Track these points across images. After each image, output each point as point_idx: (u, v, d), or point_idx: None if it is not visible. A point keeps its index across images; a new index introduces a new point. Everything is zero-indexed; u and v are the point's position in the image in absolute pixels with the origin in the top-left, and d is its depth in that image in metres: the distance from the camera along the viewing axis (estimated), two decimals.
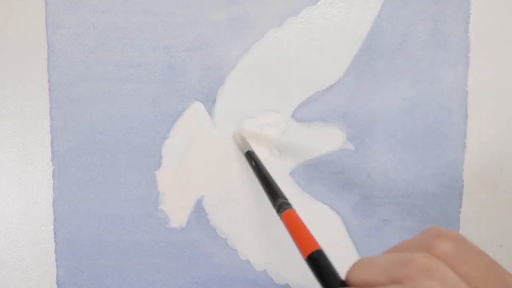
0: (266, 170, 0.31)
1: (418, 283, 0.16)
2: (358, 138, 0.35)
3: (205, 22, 0.35)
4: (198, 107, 0.35)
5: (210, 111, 0.35)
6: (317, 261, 0.20)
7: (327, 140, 0.35)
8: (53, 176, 0.35)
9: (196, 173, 0.35)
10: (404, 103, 0.35)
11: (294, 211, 0.26)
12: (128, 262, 0.36)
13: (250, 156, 0.32)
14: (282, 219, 0.25)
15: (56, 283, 0.36)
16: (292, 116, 0.35)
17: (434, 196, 0.35)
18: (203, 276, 0.36)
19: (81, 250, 0.36)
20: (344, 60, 0.35)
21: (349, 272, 0.19)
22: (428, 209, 0.35)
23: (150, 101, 0.35)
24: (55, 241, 0.35)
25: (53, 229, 0.35)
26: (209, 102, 0.35)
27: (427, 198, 0.35)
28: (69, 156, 0.35)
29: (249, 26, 0.35)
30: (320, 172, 0.35)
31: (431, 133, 0.35)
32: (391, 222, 0.36)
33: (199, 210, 0.36)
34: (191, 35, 0.35)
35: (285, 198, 0.27)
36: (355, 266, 0.19)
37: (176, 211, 0.36)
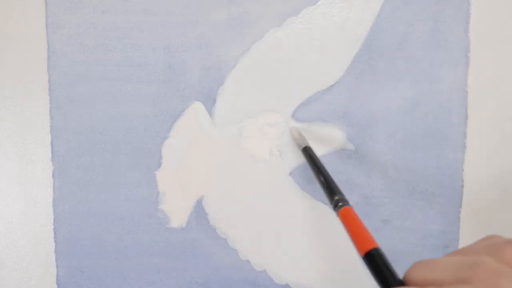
0: (323, 167, 0.30)
1: (488, 282, 0.16)
2: (358, 138, 0.35)
3: (205, 22, 0.35)
4: (198, 107, 0.35)
5: (210, 111, 0.35)
6: (375, 259, 0.20)
7: (327, 140, 0.35)
8: (53, 176, 0.35)
9: (196, 173, 0.35)
10: (404, 103, 0.35)
11: (351, 208, 0.25)
12: (128, 262, 0.36)
13: (307, 152, 0.32)
14: (339, 215, 0.25)
15: (56, 283, 0.36)
16: (292, 116, 0.35)
17: (434, 196, 0.35)
18: (203, 276, 0.36)
19: (81, 250, 0.36)
20: (344, 60, 0.35)
21: (409, 272, 0.19)
22: (428, 209, 0.35)
23: (150, 101, 0.35)
24: (55, 241, 0.35)
25: (53, 229, 0.35)
26: (209, 102, 0.35)
27: (427, 198, 0.35)
28: (69, 156, 0.35)
29: (249, 26, 0.35)
30: None
31: (431, 133, 0.35)
32: (391, 222, 0.36)
33: (199, 210, 0.36)
34: (191, 35, 0.35)
35: (342, 195, 0.27)
36: (416, 266, 0.19)
37: (176, 211, 0.36)
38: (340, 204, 0.26)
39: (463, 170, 0.35)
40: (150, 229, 0.36)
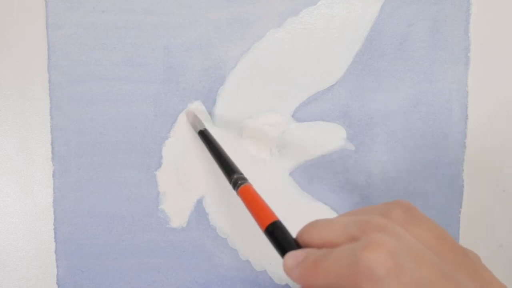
0: (221, 148, 0.30)
1: (373, 235, 0.17)
2: (358, 138, 0.35)
3: (205, 22, 0.35)
4: (198, 107, 0.35)
5: (210, 111, 0.35)
6: (274, 231, 0.21)
7: (327, 140, 0.35)
8: (53, 176, 0.35)
9: (196, 173, 0.35)
10: (404, 103, 0.35)
11: (250, 185, 0.25)
12: (128, 262, 0.36)
13: (204, 135, 0.32)
14: (239, 194, 0.25)
15: (56, 283, 0.36)
16: (292, 116, 0.35)
17: (434, 196, 0.35)
18: (203, 276, 0.36)
19: (81, 250, 0.36)
20: (344, 60, 0.35)
21: (304, 231, 0.19)
22: (428, 209, 0.36)
23: (150, 101, 0.35)
24: (55, 241, 0.35)
25: (53, 229, 0.35)
26: (209, 102, 0.35)
27: (427, 198, 0.36)
28: (69, 156, 0.35)
29: (249, 26, 0.35)
30: (320, 172, 0.35)
31: (431, 133, 0.35)
32: None
33: (199, 210, 0.36)
34: (191, 35, 0.35)
35: (241, 173, 0.27)
36: (310, 225, 0.19)
37: (177, 211, 0.36)
38: (239, 182, 0.26)
39: (463, 170, 0.35)
40: (150, 229, 0.36)
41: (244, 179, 0.26)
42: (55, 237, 0.35)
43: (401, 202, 0.19)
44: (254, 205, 0.23)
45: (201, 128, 0.33)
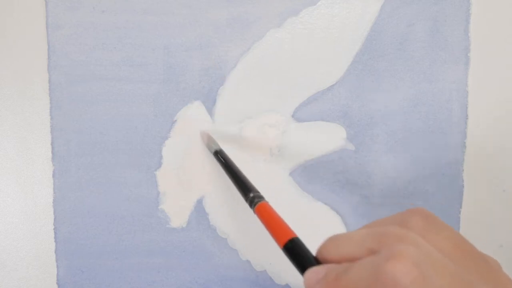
0: (236, 167, 0.31)
1: (393, 247, 0.16)
2: (358, 138, 0.35)
3: (205, 22, 0.35)
4: (198, 107, 0.35)
5: (210, 111, 0.35)
6: (293, 248, 0.20)
7: (327, 140, 0.35)
8: (53, 176, 0.35)
9: (196, 173, 0.35)
10: (404, 103, 0.35)
11: (267, 203, 0.25)
12: (128, 262, 0.36)
13: (219, 155, 0.32)
14: (256, 212, 0.25)
15: (56, 283, 0.36)
16: (292, 116, 0.35)
17: (434, 196, 0.35)
18: (203, 276, 0.36)
19: (81, 250, 0.36)
20: (344, 60, 0.35)
21: (323, 247, 0.19)
22: (428, 209, 0.35)
23: (150, 101, 0.35)
24: (55, 241, 0.35)
25: (53, 229, 0.35)
26: (209, 102, 0.35)
27: (427, 198, 0.35)
28: (69, 156, 0.35)
29: (249, 26, 0.35)
30: (320, 172, 0.35)
31: (431, 133, 0.35)
32: None
33: (199, 210, 0.36)
34: (191, 35, 0.35)
35: (257, 192, 0.27)
36: (330, 241, 0.19)
37: (177, 211, 0.36)
38: (256, 200, 0.26)
39: (463, 170, 0.35)
40: (150, 229, 0.36)
41: (260, 197, 0.26)
42: (55, 237, 0.35)
43: (418, 210, 0.19)
44: (272, 222, 0.23)
45: (216, 149, 0.33)
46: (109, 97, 0.35)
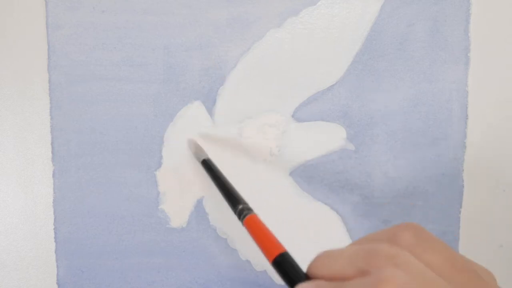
0: (224, 177, 0.30)
1: (382, 271, 0.16)
2: (358, 138, 0.35)
3: (205, 22, 0.35)
4: (198, 107, 0.35)
5: (210, 111, 0.35)
6: (283, 263, 0.20)
7: (327, 140, 0.35)
8: (53, 176, 0.35)
9: (196, 173, 0.35)
10: (404, 103, 0.35)
11: (256, 215, 0.25)
12: (128, 262, 0.36)
13: (207, 164, 0.32)
14: (244, 224, 0.25)
15: (56, 283, 0.36)
16: (292, 116, 0.35)
17: (434, 196, 0.35)
18: (203, 276, 0.36)
19: (81, 250, 0.36)
20: (344, 60, 0.35)
21: (314, 264, 0.19)
22: (428, 209, 0.35)
23: (150, 101, 0.35)
24: (55, 241, 0.35)
25: (53, 229, 0.35)
26: (209, 102, 0.35)
27: (427, 198, 0.35)
28: (69, 156, 0.35)
29: (249, 26, 0.35)
30: (320, 172, 0.35)
31: (431, 133, 0.35)
32: (391, 222, 0.36)
33: (199, 210, 0.36)
34: (191, 35, 0.35)
35: (245, 203, 0.26)
36: (320, 258, 0.19)
37: (177, 211, 0.36)
38: (245, 212, 0.25)
39: (463, 170, 0.35)
40: (150, 229, 0.36)
41: (249, 209, 0.26)
42: (55, 237, 0.35)
43: (409, 225, 0.19)
44: (261, 236, 0.23)
45: (204, 158, 0.33)
46: (109, 97, 0.35)
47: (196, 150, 0.34)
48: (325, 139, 0.35)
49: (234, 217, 0.36)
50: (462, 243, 0.36)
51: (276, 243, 0.22)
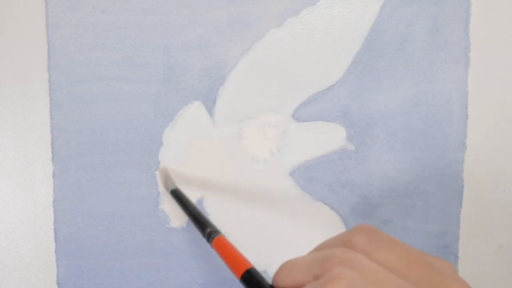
0: (192, 204, 0.32)
1: (333, 271, 0.17)
2: (358, 138, 0.35)
3: (205, 22, 0.35)
4: (198, 107, 0.35)
5: (210, 111, 0.35)
6: (250, 279, 0.21)
7: (327, 140, 0.35)
8: (53, 176, 0.35)
9: (196, 173, 0.35)
10: (404, 103, 0.35)
11: (223, 237, 0.27)
12: (128, 262, 0.36)
13: (176, 194, 0.33)
14: (213, 246, 0.26)
15: (56, 283, 0.36)
16: (292, 116, 0.35)
17: (434, 196, 0.35)
18: (203, 276, 0.36)
19: (81, 250, 0.36)
20: (344, 60, 0.35)
21: (277, 275, 0.19)
22: (428, 209, 0.36)
23: (150, 101, 0.35)
24: (55, 241, 0.35)
25: (53, 229, 0.35)
26: (209, 102, 0.35)
27: (427, 198, 0.35)
28: (69, 156, 0.35)
29: (249, 26, 0.35)
30: (320, 172, 0.35)
31: (431, 133, 0.35)
32: (391, 222, 0.36)
33: None
34: (191, 35, 0.35)
35: (213, 227, 0.28)
36: (282, 268, 0.19)
37: (177, 211, 0.36)
38: (213, 235, 0.27)
39: (463, 170, 0.35)
40: (150, 229, 0.36)
41: (217, 232, 0.27)
42: (55, 237, 0.35)
43: (361, 227, 0.19)
44: (228, 255, 0.24)
45: (173, 188, 0.34)
46: (109, 97, 0.35)
47: (166, 179, 0.34)
48: (325, 139, 0.35)
49: (234, 217, 0.36)
50: (462, 243, 0.36)
51: (243, 260, 0.23)
